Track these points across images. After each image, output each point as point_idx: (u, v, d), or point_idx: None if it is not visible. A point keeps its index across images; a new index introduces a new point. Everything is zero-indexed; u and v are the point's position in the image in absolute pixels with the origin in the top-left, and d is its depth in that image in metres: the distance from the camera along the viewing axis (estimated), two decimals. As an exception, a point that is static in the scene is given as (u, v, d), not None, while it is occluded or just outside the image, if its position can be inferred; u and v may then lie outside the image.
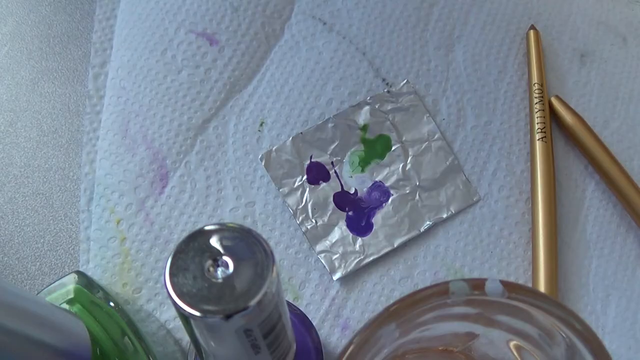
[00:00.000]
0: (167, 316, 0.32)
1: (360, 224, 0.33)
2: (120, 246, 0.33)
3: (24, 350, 0.21)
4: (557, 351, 0.21)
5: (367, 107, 0.35)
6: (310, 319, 0.30)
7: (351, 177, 0.34)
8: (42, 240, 0.34)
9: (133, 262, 0.33)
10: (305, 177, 0.34)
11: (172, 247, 0.33)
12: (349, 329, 0.32)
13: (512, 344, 0.23)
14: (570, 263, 0.33)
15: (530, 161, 0.34)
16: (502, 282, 0.21)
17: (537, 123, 0.34)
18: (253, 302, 0.18)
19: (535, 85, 0.35)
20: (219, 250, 0.19)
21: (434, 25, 0.37)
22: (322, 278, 0.33)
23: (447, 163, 0.34)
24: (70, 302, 0.28)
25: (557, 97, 0.35)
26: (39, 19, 0.39)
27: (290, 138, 0.35)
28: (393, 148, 0.35)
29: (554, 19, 0.38)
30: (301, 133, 0.35)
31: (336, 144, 0.35)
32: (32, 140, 0.36)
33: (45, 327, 0.22)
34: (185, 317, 0.19)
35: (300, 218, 0.33)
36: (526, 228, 0.34)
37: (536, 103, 0.35)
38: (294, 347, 0.24)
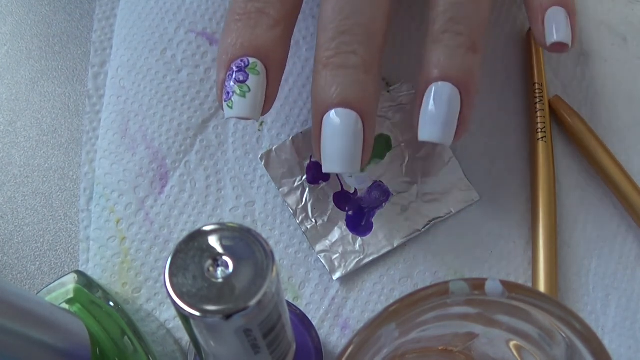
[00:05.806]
0: (167, 316, 0.32)
1: (360, 224, 0.33)
2: (120, 246, 0.33)
3: (23, 350, 0.21)
4: (557, 351, 0.21)
5: (367, 107, 0.35)
6: (310, 318, 0.30)
7: (351, 176, 0.34)
8: (41, 240, 0.34)
9: (133, 261, 0.33)
10: (305, 176, 0.34)
11: (172, 246, 0.33)
12: (349, 329, 0.32)
13: (512, 343, 0.23)
14: (570, 263, 0.33)
15: (530, 161, 0.34)
16: (502, 282, 0.21)
17: (537, 123, 0.34)
18: (253, 302, 0.18)
19: (535, 85, 0.35)
20: (218, 250, 0.19)
21: (434, 25, 0.37)
22: (322, 278, 0.33)
23: (447, 163, 0.34)
24: (69, 301, 0.28)
25: (557, 97, 0.35)
26: (38, 18, 0.39)
27: (290, 138, 0.35)
28: (393, 148, 0.35)
29: (554, 18, 0.38)
30: (301, 133, 0.35)
31: (336, 143, 0.35)
32: (31, 139, 0.36)
33: (44, 327, 0.22)
34: (185, 317, 0.19)
35: (300, 218, 0.33)
36: (526, 228, 0.34)
37: (536, 103, 0.35)
38: (294, 347, 0.24)
